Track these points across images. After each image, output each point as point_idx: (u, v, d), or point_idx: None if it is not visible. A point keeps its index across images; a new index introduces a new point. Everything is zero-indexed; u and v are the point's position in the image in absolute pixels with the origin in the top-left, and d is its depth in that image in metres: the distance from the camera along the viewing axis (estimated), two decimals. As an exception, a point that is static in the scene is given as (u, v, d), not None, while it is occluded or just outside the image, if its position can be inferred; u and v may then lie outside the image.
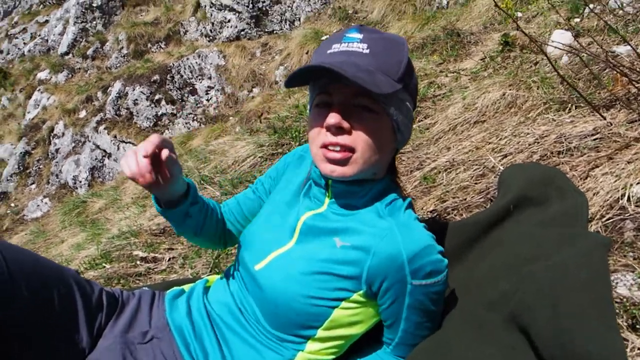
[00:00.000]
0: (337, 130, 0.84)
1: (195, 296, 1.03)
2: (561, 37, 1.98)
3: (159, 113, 6.14)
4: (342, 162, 0.85)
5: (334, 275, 0.86)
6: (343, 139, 0.84)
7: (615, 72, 1.47)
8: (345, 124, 0.83)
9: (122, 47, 7.18)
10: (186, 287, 1.10)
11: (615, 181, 1.17)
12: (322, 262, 0.87)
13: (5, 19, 13.87)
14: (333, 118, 0.82)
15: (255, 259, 0.95)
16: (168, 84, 6.20)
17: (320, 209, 0.95)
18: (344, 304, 0.87)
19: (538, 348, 0.76)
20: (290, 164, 1.11)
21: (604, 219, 1.09)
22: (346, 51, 0.84)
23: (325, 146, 0.85)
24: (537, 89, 1.68)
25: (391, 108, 0.86)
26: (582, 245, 0.91)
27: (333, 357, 0.93)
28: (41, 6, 11.57)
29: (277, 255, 0.93)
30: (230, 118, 5.52)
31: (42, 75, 7.68)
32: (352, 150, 0.85)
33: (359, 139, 0.84)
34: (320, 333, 0.88)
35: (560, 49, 1.58)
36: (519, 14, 2.86)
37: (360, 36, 0.85)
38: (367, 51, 0.83)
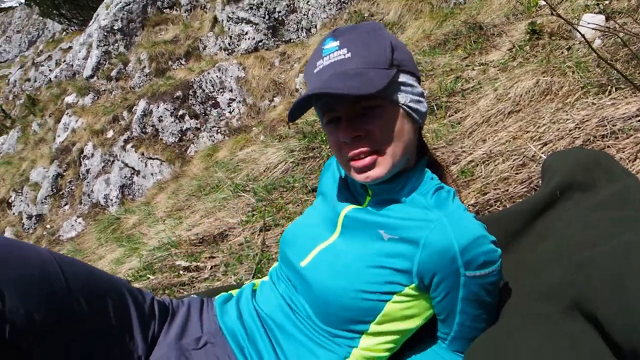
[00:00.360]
0: (353, 140, 0.84)
1: (244, 300, 1.03)
2: (592, 21, 1.93)
3: (184, 128, 6.24)
4: (372, 166, 0.85)
5: (385, 268, 0.85)
6: (363, 146, 0.84)
7: (655, 50, 1.43)
8: (359, 132, 0.84)
9: (144, 67, 7.35)
10: (234, 292, 1.11)
11: (668, 160, 1.13)
12: (371, 255, 0.86)
13: (31, 48, 14.38)
14: (345, 133, 0.84)
15: (300, 256, 0.95)
16: (191, 99, 6.30)
17: (361, 205, 0.94)
18: (396, 297, 0.86)
19: (609, 333, 0.73)
20: (322, 176, 1.13)
21: (660, 200, 1.05)
22: (330, 64, 0.83)
23: (351, 159, 0.86)
24: (573, 73, 1.64)
25: (394, 95, 0.85)
26: (641, 227, 0.87)
27: (388, 353, 0.91)
28: (64, 33, 11.97)
29: (321, 250, 0.93)
30: (254, 128, 5.57)
31: (69, 99, 7.91)
32: (376, 151, 0.85)
33: (378, 139, 0.84)
34: (373, 328, 0.87)
35: (596, 29, 1.54)
36: (542, 2, 2.80)
37: (336, 43, 0.84)
38: (349, 55, 0.82)
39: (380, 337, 0.88)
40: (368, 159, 0.85)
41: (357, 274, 0.85)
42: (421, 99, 0.91)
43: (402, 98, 0.85)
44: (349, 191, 0.99)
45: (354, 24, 0.89)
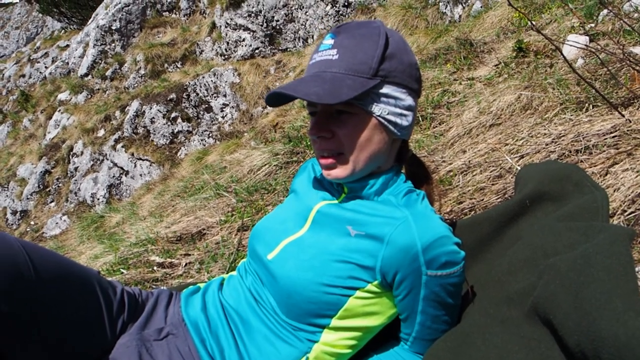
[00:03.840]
0: (319, 138, 0.87)
1: (210, 292, 1.03)
2: (577, 41, 1.97)
3: (175, 130, 6.24)
4: (333, 166, 0.88)
5: (349, 263, 0.85)
6: (328, 144, 0.87)
7: (633, 70, 1.46)
8: (324, 133, 0.86)
9: (140, 68, 7.36)
10: (202, 285, 1.10)
11: (637, 176, 1.15)
12: (336, 250, 0.87)
13: (28, 44, 14.36)
14: (312, 130, 0.87)
15: (267, 249, 0.95)
16: (184, 102, 6.32)
17: (335, 201, 0.96)
18: (358, 293, 0.86)
19: (562, 337, 0.73)
20: (297, 175, 1.15)
21: (626, 214, 1.07)
22: (319, 62, 0.86)
23: (319, 154, 0.90)
24: (553, 90, 1.67)
25: (370, 105, 0.85)
26: (605, 236, 0.88)
27: (350, 350, 0.91)
28: (62, 31, 11.97)
29: (288, 243, 0.93)
30: (245, 134, 5.58)
31: (62, 96, 7.89)
32: (339, 154, 0.87)
33: (342, 142, 0.86)
34: (334, 322, 0.87)
35: (578, 47, 1.58)
36: (533, 23, 2.86)
37: (332, 42, 0.86)
38: (337, 57, 0.84)
39: (342, 333, 0.88)
40: (330, 160, 0.88)
41: (321, 267, 0.86)
42: (406, 112, 0.90)
43: (379, 110, 0.85)
44: (324, 188, 1.00)
45: (360, 22, 0.89)
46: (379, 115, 0.86)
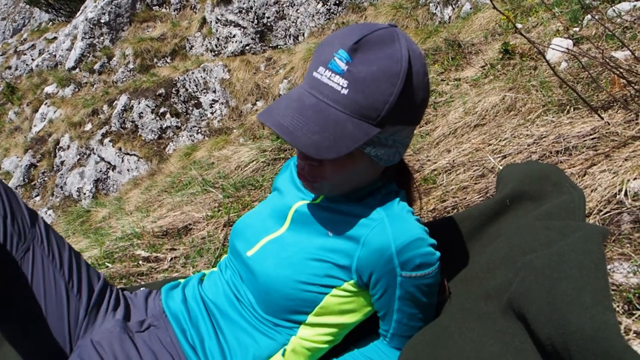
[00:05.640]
0: (307, 164, 0.85)
1: (190, 286, 1.05)
2: (561, 44, 2.01)
3: (164, 126, 6.20)
4: (311, 187, 0.88)
5: (326, 262, 0.87)
6: (312, 171, 0.85)
7: (613, 74, 1.49)
8: (313, 161, 0.83)
9: (129, 62, 7.30)
10: (182, 280, 1.12)
11: (613, 177, 1.18)
12: (314, 249, 0.88)
13: (15, 36, 14.14)
14: (299, 155, 0.85)
15: (247, 246, 0.96)
16: (173, 98, 6.28)
17: (314, 201, 0.97)
18: (334, 291, 0.88)
19: (535, 331, 0.76)
20: (280, 173, 1.15)
21: (601, 213, 1.10)
22: (325, 85, 0.76)
23: (300, 173, 0.88)
24: (536, 92, 1.71)
25: (367, 148, 0.81)
26: (580, 234, 0.91)
27: (327, 345, 0.93)
28: (50, 23, 11.81)
29: (268, 241, 0.94)
30: (234, 130, 5.57)
31: (49, 89, 7.79)
32: (321, 180, 0.86)
33: (326, 173, 0.84)
34: (310, 319, 0.89)
35: (560, 51, 1.61)
36: (519, 25, 2.90)
37: (345, 67, 0.74)
38: (346, 91, 0.75)
39: (318, 329, 0.90)
40: (310, 181, 0.87)
41: (299, 266, 0.88)
42: (400, 149, 0.87)
43: (374, 151, 0.82)
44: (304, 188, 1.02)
45: (382, 36, 0.76)
46: (373, 155, 0.83)
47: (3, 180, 1.04)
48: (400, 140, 0.85)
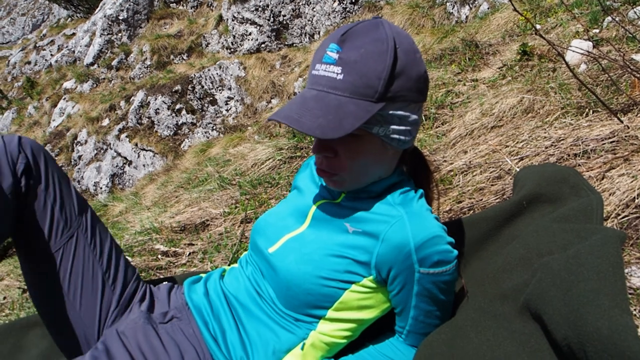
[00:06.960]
0: (324, 156, 0.88)
1: (212, 280, 1.07)
2: (580, 46, 2.00)
3: (180, 122, 6.27)
4: (332, 182, 0.91)
5: (346, 259, 0.89)
6: (329, 163, 0.88)
7: (633, 77, 1.49)
8: (329, 152, 0.87)
9: (146, 59, 7.38)
10: (204, 275, 1.15)
11: (632, 182, 1.18)
12: (335, 246, 0.90)
13: (34, 32, 14.37)
14: (315, 147, 0.88)
15: (269, 243, 0.99)
16: (189, 94, 6.35)
17: (335, 200, 0.99)
18: (354, 287, 0.90)
19: (551, 332, 0.77)
20: (300, 172, 1.17)
21: (619, 217, 1.10)
22: (323, 77, 0.82)
23: (319, 168, 0.91)
24: (555, 94, 1.70)
25: (374, 128, 0.84)
26: (597, 238, 0.92)
27: (345, 340, 0.94)
28: (69, 20, 11.99)
29: (289, 238, 0.96)
30: (249, 128, 5.61)
31: (67, 84, 7.92)
32: (339, 171, 0.89)
33: (343, 163, 0.87)
34: (330, 314, 0.91)
35: (580, 53, 1.60)
36: (538, 26, 2.88)
37: (336, 56, 0.80)
38: (341, 76, 0.80)
39: (337, 324, 0.92)
40: (329, 175, 0.90)
41: (319, 262, 0.90)
42: (409, 128, 0.88)
43: (382, 131, 0.85)
44: (325, 187, 1.03)
45: (365, 25, 0.82)
46: (383, 135, 0.86)
47: (61, 168, 1.09)
48: (407, 119, 0.87)
